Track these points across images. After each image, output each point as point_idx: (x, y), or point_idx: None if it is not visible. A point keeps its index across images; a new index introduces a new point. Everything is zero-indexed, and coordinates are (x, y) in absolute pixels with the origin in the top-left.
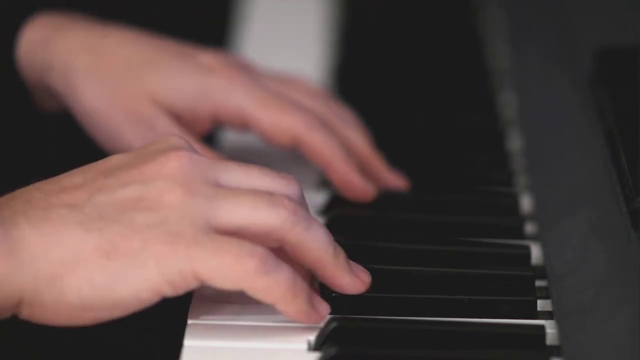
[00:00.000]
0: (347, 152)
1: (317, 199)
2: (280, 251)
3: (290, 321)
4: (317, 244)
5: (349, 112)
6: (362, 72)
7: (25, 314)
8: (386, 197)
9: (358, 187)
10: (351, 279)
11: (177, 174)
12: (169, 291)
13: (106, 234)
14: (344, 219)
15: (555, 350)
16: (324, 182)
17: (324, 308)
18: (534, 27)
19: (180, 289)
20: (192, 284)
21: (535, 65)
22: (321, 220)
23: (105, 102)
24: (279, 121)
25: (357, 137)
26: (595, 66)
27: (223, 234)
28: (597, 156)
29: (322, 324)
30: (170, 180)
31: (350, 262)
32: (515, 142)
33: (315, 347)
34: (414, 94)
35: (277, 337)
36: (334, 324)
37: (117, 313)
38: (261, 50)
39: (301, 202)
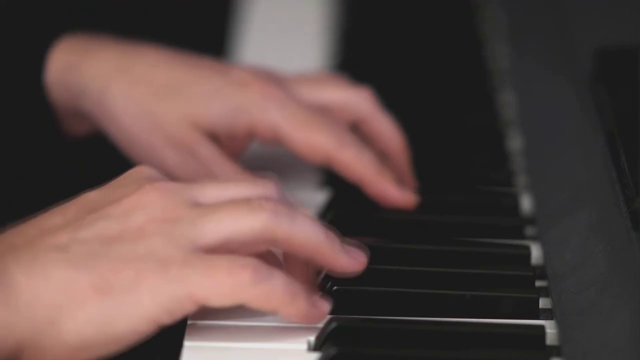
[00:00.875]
0: (381, 163)
1: (317, 199)
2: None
3: (291, 321)
4: (306, 234)
5: (378, 100)
6: (362, 72)
7: (24, 359)
8: None
9: (396, 199)
10: (349, 260)
11: (156, 203)
12: (166, 319)
13: (97, 270)
14: (344, 219)
15: (555, 350)
16: (324, 182)
17: (325, 305)
18: (534, 27)
19: (177, 315)
20: (189, 309)
21: (535, 65)
22: (321, 220)
23: (145, 128)
24: (311, 140)
25: (389, 129)
26: (595, 66)
27: (212, 251)
28: (597, 156)
29: (322, 324)
30: (149, 210)
31: (345, 242)
32: (515, 142)
33: (315, 347)
34: (413, 93)
35: (277, 337)
36: (334, 324)
37: (115, 348)
38: (261, 50)
39: (281, 198)
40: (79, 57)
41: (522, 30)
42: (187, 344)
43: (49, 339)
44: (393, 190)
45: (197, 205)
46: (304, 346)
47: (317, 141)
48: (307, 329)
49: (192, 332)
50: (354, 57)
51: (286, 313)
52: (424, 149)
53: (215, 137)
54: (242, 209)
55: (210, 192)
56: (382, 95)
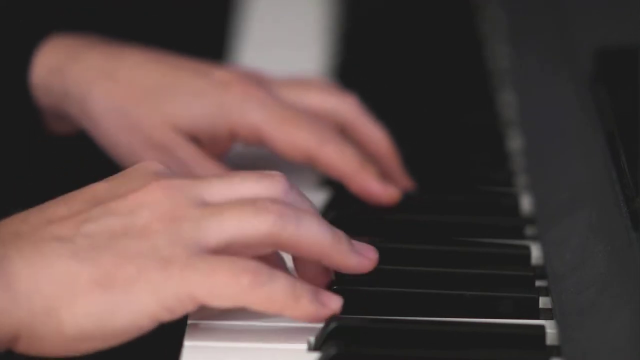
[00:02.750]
0: (363, 158)
1: (317, 198)
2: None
3: (291, 321)
4: (313, 236)
5: (363, 106)
6: (362, 72)
7: (22, 348)
8: None
9: (379, 194)
10: (358, 260)
11: (161, 201)
12: (166, 316)
13: (99, 263)
14: (344, 219)
15: (555, 350)
16: (324, 182)
17: (334, 302)
18: (533, 27)
19: (177, 313)
20: (189, 307)
21: (535, 65)
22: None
23: (124, 130)
24: (292, 138)
25: (375, 133)
26: (595, 66)
27: (216, 252)
28: (597, 156)
29: (322, 324)
30: (155, 208)
31: (354, 241)
32: (515, 142)
33: (315, 347)
34: (414, 93)
35: (277, 337)
36: (334, 324)
37: (114, 342)
38: (261, 50)
39: (290, 195)
40: (63, 60)
41: (522, 30)
42: (187, 344)
43: (46, 328)
44: (376, 186)
45: (203, 204)
46: (304, 346)
47: (297, 138)
48: (307, 329)
49: (192, 332)
50: (354, 57)
51: (290, 314)
52: (423, 149)
53: (197, 139)
54: (247, 211)
55: (217, 190)
56: (383, 95)
